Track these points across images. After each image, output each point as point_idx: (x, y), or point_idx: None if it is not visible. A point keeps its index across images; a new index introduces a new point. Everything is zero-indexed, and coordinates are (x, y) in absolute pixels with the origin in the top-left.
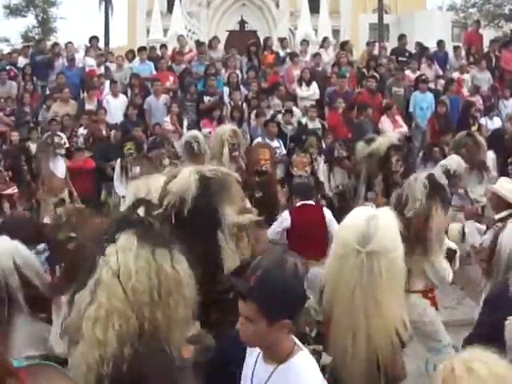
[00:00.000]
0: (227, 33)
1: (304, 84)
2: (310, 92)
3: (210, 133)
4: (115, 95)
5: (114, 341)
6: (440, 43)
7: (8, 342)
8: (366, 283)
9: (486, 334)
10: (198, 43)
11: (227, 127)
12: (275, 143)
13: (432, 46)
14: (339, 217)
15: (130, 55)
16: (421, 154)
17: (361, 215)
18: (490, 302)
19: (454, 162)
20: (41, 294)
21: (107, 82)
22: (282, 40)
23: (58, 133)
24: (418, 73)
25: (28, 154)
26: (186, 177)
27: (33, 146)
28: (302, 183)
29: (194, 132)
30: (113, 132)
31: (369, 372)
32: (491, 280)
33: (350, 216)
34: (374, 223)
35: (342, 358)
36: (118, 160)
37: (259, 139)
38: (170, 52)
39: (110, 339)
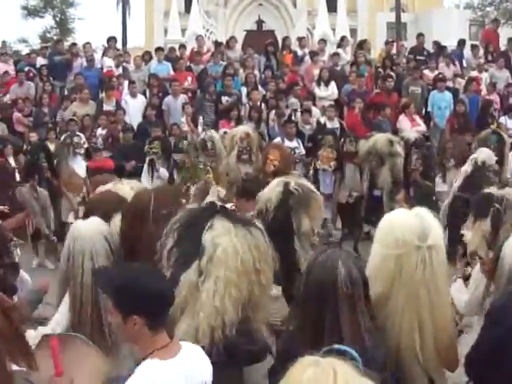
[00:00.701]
0: (245, 32)
1: (322, 84)
2: (329, 92)
3: (225, 133)
4: (133, 96)
5: (231, 309)
6: (461, 43)
7: None
8: (428, 277)
9: (486, 351)
10: (217, 43)
11: (240, 129)
12: (294, 143)
13: (450, 45)
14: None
15: (147, 56)
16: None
17: (409, 214)
18: (492, 315)
19: (483, 153)
20: None
21: (126, 83)
22: (300, 39)
23: (77, 133)
24: (436, 72)
25: (48, 152)
26: (273, 188)
27: (51, 147)
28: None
29: (210, 132)
30: (121, 134)
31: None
32: (494, 292)
33: (397, 217)
34: (424, 219)
35: (410, 352)
36: (147, 158)
37: (278, 139)
38: (188, 52)
39: (228, 307)
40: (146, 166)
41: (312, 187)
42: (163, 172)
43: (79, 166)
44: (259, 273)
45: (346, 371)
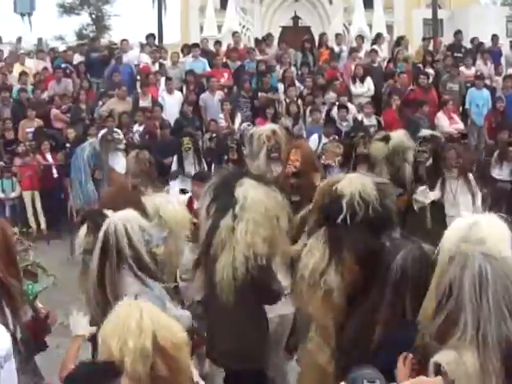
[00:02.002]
0: (280, 29)
1: (358, 80)
2: (364, 89)
3: (248, 125)
4: (170, 92)
5: (260, 243)
6: (493, 38)
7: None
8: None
9: None
10: (258, 41)
11: (266, 128)
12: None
13: (487, 42)
14: None
15: (186, 50)
16: (496, 154)
17: (464, 222)
18: None
19: None
20: (145, 261)
21: (163, 79)
22: (337, 36)
23: (115, 129)
24: (473, 69)
25: None
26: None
27: None
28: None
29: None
30: (159, 131)
31: None
32: None
33: (455, 223)
34: (478, 227)
35: None
36: (175, 156)
37: (315, 136)
38: (224, 48)
39: (257, 242)
40: (174, 164)
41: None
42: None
43: (119, 162)
44: (278, 218)
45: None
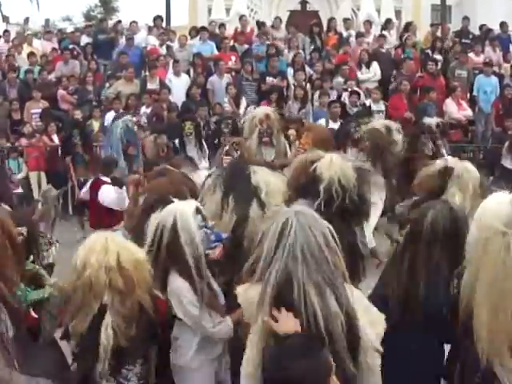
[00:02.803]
0: (288, 13)
1: (364, 66)
2: (370, 74)
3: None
4: (177, 75)
5: None
6: (503, 24)
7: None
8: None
9: None
10: (260, 23)
11: (260, 111)
12: (337, 124)
13: (496, 29)
14: None
15: (194, 32)
16: (506, 144)
17: (503, 199)
18: None
19: None
20: (184, 257)
21: (171, 62)
22: (345, 20)
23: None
24: (482, 56)
25: (82, 129)
26: None
27: (95, 124)
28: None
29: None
30: (165, 113)
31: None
32: None
33: (491, 200)
34: None
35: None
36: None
37: (322, 120)
38: (231, 31)
39: None
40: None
41: None
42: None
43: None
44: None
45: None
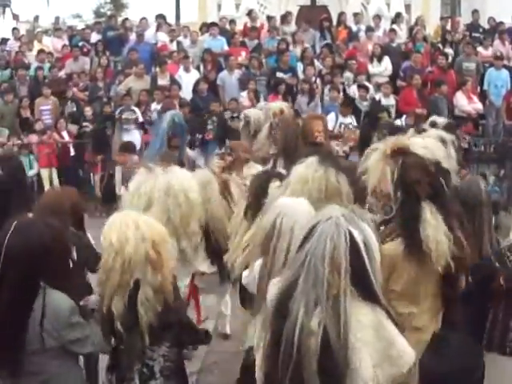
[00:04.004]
0: (298, 7)
1: (375, 60)
2: (381, 68)
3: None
4: (187, 70)
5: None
6: None
7: None
8: None
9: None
10: (269, 18)
11: (277, 105)
12: (348, 119)
13: (506, 22)
14: None
15: (204, 28)
16: None
17: None
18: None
19: None
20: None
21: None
22: (355, 15)
23: (133, 107)
24: (491, 49)
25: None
26: None
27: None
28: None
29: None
30: (178, 109)
31: None
32: None
33: None
34: None
35: None
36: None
37: (332, 115)
38: (241, 27)
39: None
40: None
41: None
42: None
43: (132, 140)
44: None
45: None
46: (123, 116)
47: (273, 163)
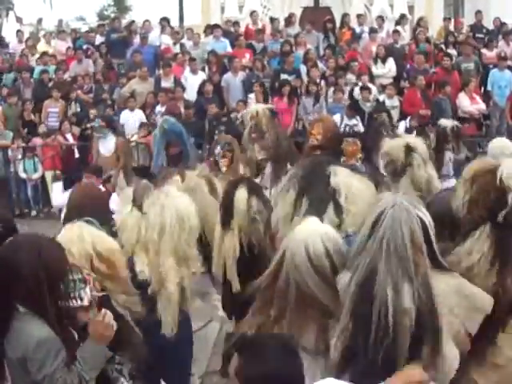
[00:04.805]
0: (301, 9)
1: (379, 61)
2: (385, 70)
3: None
4: (194, 73)
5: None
6: None
7: None
8: None
9: None
10: (272, 20)
11: (254, 107)
12: (353, 121)
13: (510, 23)
14: None
15: (209, 30)
16: None
17: None
18: None
19: None
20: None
21: (188, 60)
22: (358, 16)
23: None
24: (495, 50)
25: None
26: None
27: None
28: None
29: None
30: (183, 110)
31: None
32: None
33: None
34: None
35: None
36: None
37: (337, 116)
38: (243, 29)
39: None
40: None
41: None
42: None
43: (106, 146)
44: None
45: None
46: (94, 124)
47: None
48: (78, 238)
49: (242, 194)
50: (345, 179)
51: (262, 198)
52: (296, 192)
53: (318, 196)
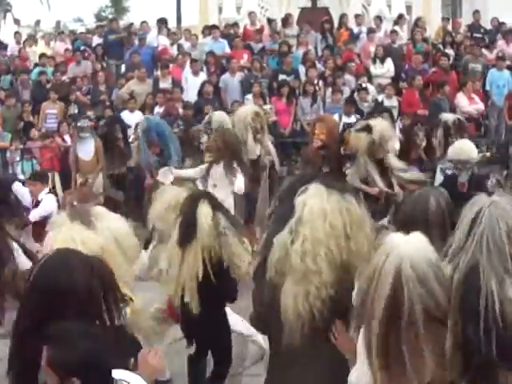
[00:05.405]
0: (299, 10)
1: (378, 61)
2: (384, 70)
3: (270, 109)
4: (196, 74)
5: (326, 268)
6: None
7: None
8: None
9: None
10: (270, 21)
11: (249, 109)
12: (352, 119)
13: (508, 22)
14: None
15: (207, 31)
16: None
17: None
18: None
19: None
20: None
21: (188, 61)
22: (356, 16)
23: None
24: (495, 50)
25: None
26: None
27: None
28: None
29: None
30: (181, 111)
31: None
32: None
33: None
34: None
35: None
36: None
37: (336, 116)
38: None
39: (322, 267)
40: None
41: None
42: None
43: (85, 149)
44: (349, 238)
45: None
46: (78, 124)
47: (206, 171)
48: (72, 240)
49: (204, 209)
50: (305, 199)
51: (226, 212)
52: (273, 207)
53: (281, 214)
